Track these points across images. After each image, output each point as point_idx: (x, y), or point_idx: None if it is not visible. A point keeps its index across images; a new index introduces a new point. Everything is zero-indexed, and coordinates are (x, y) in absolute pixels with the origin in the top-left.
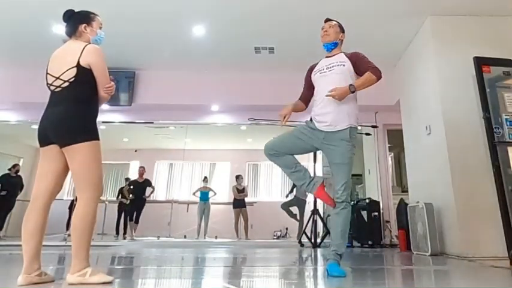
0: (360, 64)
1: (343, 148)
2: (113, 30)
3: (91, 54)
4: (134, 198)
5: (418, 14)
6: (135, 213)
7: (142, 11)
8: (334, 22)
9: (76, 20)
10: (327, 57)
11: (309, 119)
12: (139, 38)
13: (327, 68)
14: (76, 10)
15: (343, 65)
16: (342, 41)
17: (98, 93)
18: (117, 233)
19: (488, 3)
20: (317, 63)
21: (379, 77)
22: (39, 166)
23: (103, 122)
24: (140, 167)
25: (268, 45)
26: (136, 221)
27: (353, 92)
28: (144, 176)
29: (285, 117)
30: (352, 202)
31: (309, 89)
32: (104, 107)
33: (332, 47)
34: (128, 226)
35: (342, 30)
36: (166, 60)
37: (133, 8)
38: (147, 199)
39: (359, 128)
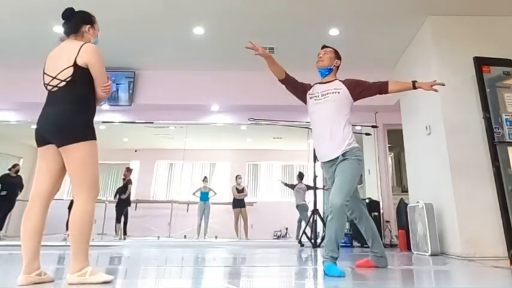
0: (362, 87)
1: (345, 165)
2: (113, 30)
3: (88, 53)
4: (122, 199)
5: (418, 14)
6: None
7: (142, 11)
8: (330, 49)
9: (79, 20)
10: (321, 83)
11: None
12: (140, 38)
13: (321, 95)
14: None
15: (338, 92)
16: (338, 67)
17: (95, 93)
18: (116, 231)
19: (489, 3)
20: (312, 85)
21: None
22: (37, 166)
23: (103, 122)
24: (126, 168)
25: (268, 45)
26: (119, 221)
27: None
28: (144, 177)
29: (256, 48)
30: None
31: (297, 87)
32: (104, 107)
33: (326, 72)
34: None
35: (338, 57)
36: (166, 60)
37: (133, 8)
38: (148, 198)
39: (358, 128)
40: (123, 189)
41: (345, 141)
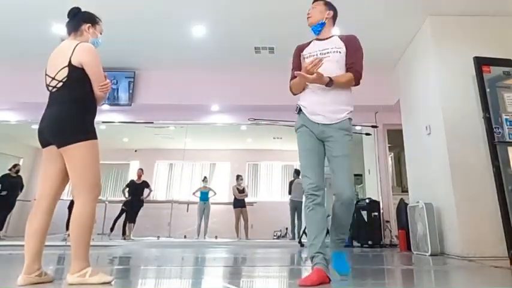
0: (351, 54)
1: (343, 139)
2: (113, 30)
3: (82, 52)
4: (132, 199)
5: (418, 14)
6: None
7: (142, 11)
8: (318, 1)
9: (81, 19)
10: (318, 39)
11: (295, 111)
12: (140, 38)
13: (320, 54)
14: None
15: (339, 52)
16: (333, 19)
17: (93, 92)
18: (111, 230)
19: (488, 3)
20: (306, 44)
21: (356, 84)
22: (42, 167)
23: (103, 122)
24: (139, 169)
25: (268, 45)
26: (133, 221)
27: (327, 86)
28: (144, 177)
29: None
30: None
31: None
32: (104, 107)
33: (319, 28)
34: (127, 227)
35: (330, 8)
36: (166, 60)
37: (134, 8)
38: (148, 198)
39: (359, 128)
40: (139, 189)
41: (348, 105)
